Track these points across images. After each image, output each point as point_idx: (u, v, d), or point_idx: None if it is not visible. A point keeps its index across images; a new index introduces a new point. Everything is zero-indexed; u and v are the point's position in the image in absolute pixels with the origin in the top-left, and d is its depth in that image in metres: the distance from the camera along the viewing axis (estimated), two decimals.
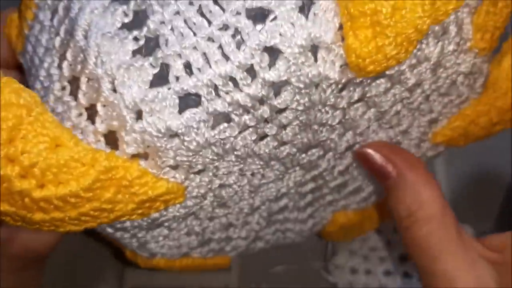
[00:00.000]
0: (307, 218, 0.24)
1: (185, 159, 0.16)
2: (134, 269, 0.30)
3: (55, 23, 0.17)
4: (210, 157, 0.17)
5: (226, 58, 0.15)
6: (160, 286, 0.29)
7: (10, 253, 0.23)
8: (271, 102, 0.16)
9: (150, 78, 0.15)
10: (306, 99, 0.16)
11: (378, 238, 0.31)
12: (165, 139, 0.15)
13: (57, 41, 0.17)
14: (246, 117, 0.16)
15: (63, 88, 0.16)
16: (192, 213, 0.20)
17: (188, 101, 0.15)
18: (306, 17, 0.15)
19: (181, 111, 0.15)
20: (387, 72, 0.16)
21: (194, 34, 0.15)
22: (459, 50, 0.17)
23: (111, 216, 0.16)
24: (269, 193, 0.21)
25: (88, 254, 0.29)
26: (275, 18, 0.14)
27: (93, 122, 0.16)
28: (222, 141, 0.16)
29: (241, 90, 0.15)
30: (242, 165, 0.18)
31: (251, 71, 0.15)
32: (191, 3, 0.15)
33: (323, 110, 0.17)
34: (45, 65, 0.17)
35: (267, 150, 0.18)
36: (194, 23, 0.15)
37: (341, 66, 0.15)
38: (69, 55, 0.16)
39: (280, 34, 0.14)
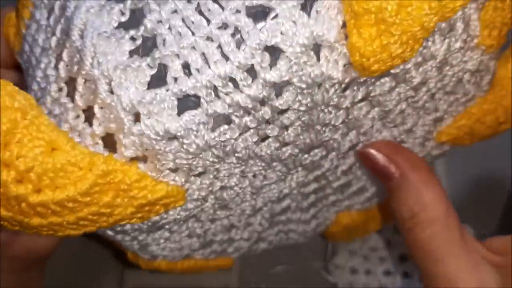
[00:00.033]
0: (310, 218, 0.24)
1: (185, 162, 0.16)
2: (134, 270, 0.30)
3: (52, 22, 0.17)
4: (211, 159, 0.16)
5: (226, 58, 0.14)
6: (160, 287, 0.29)
7: (11, 255, 0.23)
8: (272, 103, 0.15)
9: (148, 79, 0.15)
10: (309, 99, 0.16)
11: (378, 238, 0.31)
12: (164, 142, 0.15)
13: (53, 41, 0.16)
14: (246, 118, 0.15)
15: (60, 90, 0.16)
16: (193, 215, 0.19)
17: (187, 102, 0.15)
18: (308, 14, 0.14)
19: (180, 113, 0.15)
20: (392, 71, 0.16)
21: (193, 33, 0.14)
22: (466, 47, 0.17)
23: (110, 220, 0.16)
24: (271, 194, 0.21)
25: (88, 255, 0.29)
26: (276, 16, 0.14)
27: (90, 125, 0.15)
28: (222, 143, 0.16)
29: (241, 91, 0.15)
30: (243, 167, 0.18)
31: (251, 72, 0.14)
32: (189, 1, 0.15)
33: (326, 110, 0.17)
34: (42, 65, 0.17)
35: (268, 152, 0.17)
36: (193, 22, 0.14)
37: (344, 65, 0.15)
38: (65, 56, 0.16)
39: (281, 33, 0.14)
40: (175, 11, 0.15)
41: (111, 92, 0.15)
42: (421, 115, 0.20)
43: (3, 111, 0.14)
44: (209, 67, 0.14)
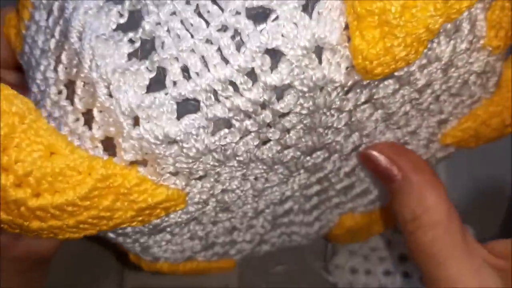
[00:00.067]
0: (313, 221, 0.24)
1: (185, 165, 0.16)
2: (134, 271, 0.30)
3: (50, 23, 0.17)
4: (211, 163, 0.16)
5: (226, 61, 0.14)
6: (160, 287, 0.29)
7: (14, 256, 0.23)
8: (273, 106, 0.15)
9: (147, 82, 0.14)
10: (311, 102, 0.15)
11: (378, 238, 0.31)
12: (163, 146, 0.15)
13: (52, 43, 0.16)
14: (247, 122, 0.15)
15: (60, 92, 0.16)
16: (194, 218, 0.19)
17: (186, 106, 0.14)
18: (310, 16, 0.14)
19: (179, 117, 0.14)
20: (396, 74, 0.15)
21: (192, 36, 0.14)
22: (472, 48, 0.16)
23: (110, 224, 0.16)
24: (273, 197, 0.21)
25: (88, 256, 0.29)
26: (276, 18, 0.14)
27: (90, 128, 0.15)
28: (223, 147, 0.15)
29: (241, 95, 0.14)
30: (244, 170, 0.18)
31: (252, 75, 0.14)
32: (188, 3, 0.14)
33: (328, 113, 0.16)
34: (41, 67, 0.17)
35: (270, 155, 0.17)
36: (192, 24, 0.14)
37: (347, 68, 0.15)
38: (64, 58, 0.16)
39: (282, 35, 0.14)
40: (173, 13, 0.14)
41: (110, 95, 0.14)
42: (425, 117, 0.20)
43: (1, 115, 0.13)
44: (209, 70, 0.14)
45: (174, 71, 0.14)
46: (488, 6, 0.16)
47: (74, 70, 0.15)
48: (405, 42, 0.14)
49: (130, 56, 0.14)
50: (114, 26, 0.15)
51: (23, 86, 0.21)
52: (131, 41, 0.15)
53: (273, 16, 0.14)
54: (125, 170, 0.15)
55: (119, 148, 0.15)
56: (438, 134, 0.21)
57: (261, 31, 0.14)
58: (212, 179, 0.17)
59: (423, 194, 0.19)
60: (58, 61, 0.16)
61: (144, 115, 0.14)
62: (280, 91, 0.15)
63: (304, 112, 0.16)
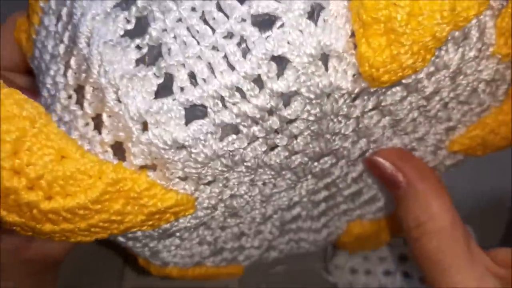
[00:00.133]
0: (321, 227, 0.23)
1: (193, 171, 0.16)
2: (134, 269, 0.30)
3: (60, 29, 0.17)
4: (220, 168, 0.16)
5: (232, 68, 0.14)
6: (160, 287, 0.29)
7: (26, 258, 0.24)
8: (280, 113, 0.15)
9: (154, 88, 0.15)
10: (318, 109, 0.15)
11: None
12: (172, 151, 0.15)
13: (62, 48, 0.17)
14: (255, 128, 0.15)
15: (69, 97, 0.16)
16: (203, 223, 0.19)
17: (194, 111, 0.15)
18: (316, 23, 0.14)
19: (187, 122, 0.15)
20: (403, 81, 0.15)
21: (198, 42, 0.14)
22: (481, 56, 0.16)
23: (121, 228, 0.16)
24: (281, 202, 0.21)
25: (88, 255, 0.29)
26: (282, 25, 0.14)
27: (100, 132, 0.16)
28: (231, 153, 0.16)
29: (248, 101, 0.14)
30: (252, 176, 0.18)
31: (258, 81, 0.14)
32: (193, 9, 0.15)
33: (335, 120, 0.16)
34: (51, 72, 0.17)
35: (278, 160, 0.17)
36: (198, 31, 0.14)
37: (353, 76, 0.15)
38: (73, 63, 0.16)
39: (288, 42, 0.14)
40: (179, 20, 0.15)
41: (119, 100, 0.15)
42: (433, 124, 0.19)
43: (12, 119, 0.14)
44: (215, 77, 0.14)
45: (181, 78, 0.14)
46: (497, 14, 0.16)
47: (83, 75, 0.16)
48: (412, 50, 0.14)
49: (138, 62, 0.15)
50: (121, 32, 0.15)
51: (34, 90, 0.21)
52: (138, 47, 0.15)
53: (278, 23, 0.14)
54: (135, 174, 0.15)
55: (129, 153, 0.15)
56: (446, 141, 0.21)
57: (266, 38, 0.14)
58: (220, 184, 0.17)
59: (427, 201, 0.19)
60: (67, 66, 0.16)
61: (153, 120, 0.15)
62: (287, 98, 0.15)
63: (311, 118, 0.16)
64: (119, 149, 0.15)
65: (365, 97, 0.16)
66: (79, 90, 0.16)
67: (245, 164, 0.17)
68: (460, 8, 0.13)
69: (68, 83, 0.16)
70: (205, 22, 0.14)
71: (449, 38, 0.15)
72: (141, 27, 0.15)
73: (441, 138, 0.20)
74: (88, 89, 0.15)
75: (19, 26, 0.20)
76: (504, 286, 0.18)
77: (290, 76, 0.14)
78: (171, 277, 0.23)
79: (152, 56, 0.15)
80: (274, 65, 0.14)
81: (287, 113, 0.15)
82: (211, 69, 0.14)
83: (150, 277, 0.28)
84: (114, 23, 0.15)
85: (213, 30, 0.14)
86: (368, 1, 0.13)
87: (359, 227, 0.24)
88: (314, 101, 0.15)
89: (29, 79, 0.22)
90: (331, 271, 0.31)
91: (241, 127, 0.15)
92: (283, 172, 0.18)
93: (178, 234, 0.20)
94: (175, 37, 0.14)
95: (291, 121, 0.16)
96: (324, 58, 0.14)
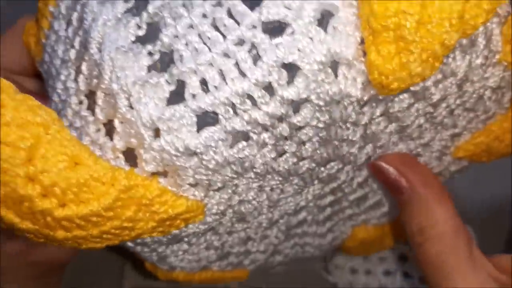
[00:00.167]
0: (326, 232, 0.24)
1: (204, 177, 0.16)
2: (134, 269, 0.30)
3: (70, 34, 0.17)
4: (230, 175, 0.16)
5: (243, 75, 0.14)
6: (160, 287, 0.29)
7: (31, 261, 0.24)
8: (290, 120, 0.15)
9: (167, 95, 0.15)
10: (327, 116, 0.16)
11: None
12: (183, 158, 0.15)
13: (73, 53, 0.17)
14: (265, 135, 0.15)
15: (80, 102, 0.16)
16: (211, 228, 0.20)
17: (205, 118, 0.15)
18: (325, 30, 0.14)
19: (199, 129, 0.15)
20: (411, 88, 0.16)
21: (209, 49, 0.14)
22: (488, 63, 0.17)
23: (132, 234, 0.16)
24: (288, 207, 0.21)
25: (88, 255, 0.29)
26: (292, 32, 0.14)
27: (111, 138, 0.16)
28: (240, 160, 0.16)
29: (259, 108, 0.15)
30: (261, 182, 0.18)
31: (269, 89, 0.14)
32: (204, 16, 0.15)
33: (343, 127, 0.17)
34: (62, 77, 0.17)
35: (286, 166, 0.17)
36: (209, 38, 0.15)
37: (363, 83, 0.15)
38: (84, 69, 0.16)
39: (298, 50, 0.14)
40: (190, 26, 0.15)
41: (131, 107, 0.15)
42: (438, 130, 0.20)
43: (26, 126, 0.14)
44: (227, 84, 0.14)
45: (193, 84, 0.15)
46: (504, 21, 0.16)
47: (95, 81, 0.16)
48: (421, 58, 0.14)
49: (150, 68, 0.15)
50: (133, 38, 0.15)
51: (43, 94, 0.21)
52: (150, 53, 0.15)
53: (289, 30, 0.14)
54: (147, 181, 0.15)
55: (140, 159, 0.15)
56: (451, 147, 0.21)
57: (277, 45, 0.14)
58: (229, 191, 0.17)
59: (430, 207, 0.19)
60: (78, 71, 0.16)
61: (165, 127, 0.15)
62: (296, 105, 0.15)
63: (320, 125, 0.16)
64: (130, 155, 0.16)
65: (374, 104, 0.16)
66: (90, 95, 0.16)
67: (254, 170, 0.17)
68: (469, 16, 0.14)
69: (79, 88, 0.16)
70: (216, 28, 0.15)
71: (457, 45, 0.15)
72: (152, 33, 0.15)
73: (446, 144, 0.20)
74: (100, 95, 0.15)
75: (28, 30, 0.20)
76: None
77: (300, 83, 0.14)
78: (177, 281, 0.23)
79: (164, 62, 0.15)
80: (284, 73, 0.14)
81: (296, 120, 0.15)
82: (223, 76, 0.14)
83: (150, 277, 0.28)
84: (125, 29, 0.15)
85: (224, 37, 0.14)
86: (378, 9, 0.13)
87: (364, 232, 0.24)
88: (323, 108, 0.15)
89: (38, 83, 0.23)
90: (331, 271, 0.31)
91: (251, 134, 0.15)
92: (291, 178, 0.19)
93: (186, 239, 0.20)
94: (186, 44, 0.15)
95: (300, 128, 0.16)
96: (334, 65, 0.14)
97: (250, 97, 0.14)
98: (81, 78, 0.16)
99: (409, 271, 0.30)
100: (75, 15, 0.17)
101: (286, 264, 0.26)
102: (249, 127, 0.15)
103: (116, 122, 0.15)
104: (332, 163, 0.19)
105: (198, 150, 0.15)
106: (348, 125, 0.17)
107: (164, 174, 0.16)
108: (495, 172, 0.26)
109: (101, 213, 0.15)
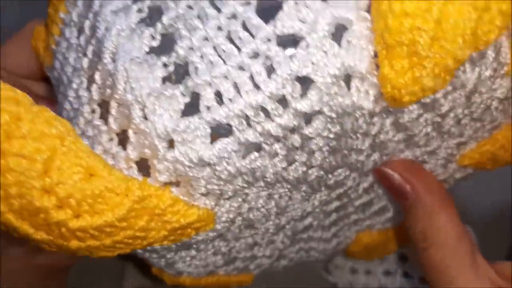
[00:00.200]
0: (331, 237, 0.24)
1: (216, 187, 0.16)
2: (134, 269, 0.30)
3: (82, 42, 0.17)
4: (241, 184, 0.16)
5: (257, 87, 0.14)
6: (160, 287, 0.29)
7: (37, 264, 0.24)
8: (302, 131, 0.15)
9: (182, 107, 0.15)
10: (338, 127, 0.16)
11: None
12: (197, 168, 0.15)
13: (85, 62, 0.17)
14: (276, 146, 0.16)
15: (93, 111, 0.16)
16: (220, 235, 0.20)
17: (219, 130, 0.15)
18: (339, 44, 0.14)
19: (212, 140, 0.15)
20: (422, 100, 0.16)
21: (224, 62, 0.15)
22: (496, 75, 0.17)
23: (144, 243, 0.16)
24: (295, 213, 0.21)
25: (88, 255, 0.29)
26: (307, 45, 0.14)
27: (124, 147, 0.16)
28: (252, 170, 0.16)
29: (272, 120, 0.15)
30: (270, 190, 0.18)
31: (282, 101, 0.15)
32: (219, 29, 0.15)
33: (354, 137, 0.17)
34: (74, 85, 0.17)
35: (295, 175, 0.17)
36: (224, 51, 0.15)
37: (375, 96, 0.15)
38: (97, 78, 0.16)
39: (312, 63, 0.14)
40: (206, 39, 0.15)
41: (145, 118, 0.15)
42: (445, 139, 0.20)
43: (42, 138, 0.14)
44: (241, 96, 0.14)
45: (207, 96, 0.15)
46: None
47: (108, 90, 0.16)
48: (433, 72, 0.14)
49: (164, 80, 0.15)
50: (147, 49, 0.15)
51: (51, 99, 0.21)
52: (164, 65, 0.15)
53: (303, 44, 0.14)
54: (160, 191, 0.16)
55: (154, 170, 0.15)
56: (457, 155, 0.21)
57: (291, 58, 0.14)
58: (240, 199, 0.18)
59: (434, 214, 0.19)
60: (91, 80, 0.16)
61: (179, 139, 0.15)
62: (309, 116, 0.15)
63: (331, 136, 0.16)
64: (143, 165, 0.16)
65: (384, 115, 0.16)
66: (103, 104, 0.16)
67: (264, 179, 0.17)
68: (481, 32, 0.14)
69: (92, 97, 0.16)
70: (231, 41, 0.15)
71: (467, 58, 0.15)
72: (166, 44, 0.15)
73: (452, 152, 0.21)
74: (113, 105, 0.16)
75: (37, 35, 0.20)
76: None
77: (313, 96, 0.14)
78: (184, 286, 0.23)
79: (179, 74, 0.15)
80: (298, 85, 0.14)
81: (308, 131, 0.15)
82: (237, 89, 0.15)
83: (150, 278, 0.28)
84: (140, 40, 0.15)
85: (239, 50, 0.15)
86: (393, 25, 0.14)
87: (368, 237, 0.25)
88: (335, 120, 0.15)
89: (46, 87, 0.22)
90: (331, 271, 0.31)
91: (263, 145, 0.15)
92: (299, 186, 0.19)
93: (195, 246, 0.20)
94: (202, 56, 0.15)
95: (311, 138, 0.16)
96: (347, 78, 0.15)
97: (263, 109, 0.15)
98: (94, 87, 0.16)
99: (409, 271, 0.30)
100: (87, 23, 0.17)
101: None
102: (261, 139, 0.15)
103: (130, 133, 0.15)
104: (340, 170, 0.19)
105: (211, 161, 0.15)
106: (358, 135, 0.17)
107: (177, 183, 0.16)
108: (494, 177, 0.27)
109: (115, 223, 0.15)
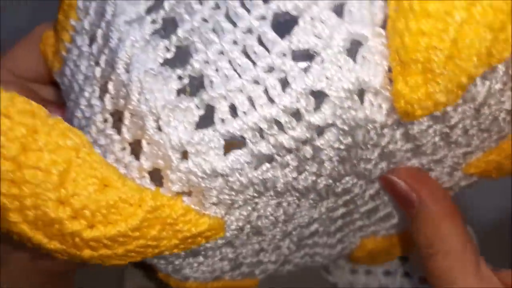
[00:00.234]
0: (336, 243, 0.24)
1: (227, 197, 0.16)
2: (135, 270, 0.30)
3: (94, 51, 0.17)
4: (252, 194, 0.17)
5: (271, 101, 0.15)
6: (160, 287, 0.29)
7: (42, 268, 0.24)
8: (314, 142, 0.15)
9: (196, 119, 0.15)
10: (350, 139, 0.16)
11: None
12: (209, 179, 0.15)
13: (98, 71, 0.17)
14: (288, 157, 0.16)
15: (105, 121, 0.16)
16: (228, 241, 0.20)
17: (232, 141, 0.15)
18: (354, 60, 0.14)
19: (225, 152, 0.15)
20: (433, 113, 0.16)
21: (239, 76, 0.15)
22: (506, 88, 0.17)
23: (155, 251, 0.16)
24: (302, 220, 0.21)
25: None
26: (322, 61, 0.14)
27: (136, 157, 0.16)
28: (264, 180, 0.16)
29: (285, 133, 0.15)
30: (280, 199, 0.18)
31: (296, 114, 0.15)
32: (235, 43, 0.15)
33: (364, 148, 0.17)
34: (86, 94, 0.17)
35: (305, 184, 0.18)
36: (239, 65, 0.15)
37: (387, 109, 0.15)
38: (111, 88, 0.16)
39: (327, 78, 0.14)
40: (221, 52, 0.15)
41: (159, 129, 0.15)
42: (452, 148, 0.20)
43: (58, 150, 0.14)
44: (255, 109, 0.15)
45: (222, 109, 0.15)
46: None
47: (122, 101, 0.16)
48: (447, 89, 0.14)
49: (179, 92, 0.15)
50: (161, 61, 0.15)
51: (58, 103, 0.21)
52: (179, 77, 0.15)
53: (318, 59, 0.14)
54: (172, 200, 0.16)
55: (166, 180, 0.16)
56: (463, 163, 0.21)
57: (306, 73, 0.14)
58: (249, 208, 0.18)
59: (439, 222, 0.19)
60: (104, 89, 0.16)
61: (193, 150, 0.15)
62: (321, 129, 0.15)
63: (342, 147, 0.16)
64: (156, 175, 0.16)
65: (394, 127, 0.17)
66: (116, 114, 0.16)
67: (275, 189, 0.17)
68: (496, 51, 0.14)
69: (105, 107, 0.16)
70: (247, 55, 0.15)
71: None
72: (181, 56, 0.15)
73: (458, 161, 0.21)
74: (127, 115, 0.16)
75: (46, 40, 0.20)
76: None
77: (327, 110, 0.15)
78: None
79: (194, 86, 0.15)
80: (312, 99, 0.15)
81: (320, 142, 0.16)
82: (252, 102, 0.15)
83: (151, 278, 0.28)
84: (154, 51, 0.15)
85: (254, 64, 0.15)
86: (409, 43, 0.14)
87: (373, 242, 0.25)
88: (347, 132, 0.15)
89: (54, 91, 0.22)
90: (331, 271, 0.31)
91: (275, 156, 0.15)
92: (308, 194, 0.19)
93: (203, 252, 0.20)
94: (217, 70, 0.15)
95: (322, 149, 0.16)
96: (360, 92, 0.15)
97: (277, 122, 0.15)
98: (107, 97, 0.16)
99: (409, 271, 0.30)
100: (99, 32, 0.17)
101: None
102: (274, 150, 0.15)
103: (143, 143, 0.15)
104: (347, 178, 0.19)
105: (224, 173, 0.15)
106: (369, 146, 0.17)
107: (189, 193, 0.16)
108: (496, 182, 0.27)
109: (128, 233, 0.15)
